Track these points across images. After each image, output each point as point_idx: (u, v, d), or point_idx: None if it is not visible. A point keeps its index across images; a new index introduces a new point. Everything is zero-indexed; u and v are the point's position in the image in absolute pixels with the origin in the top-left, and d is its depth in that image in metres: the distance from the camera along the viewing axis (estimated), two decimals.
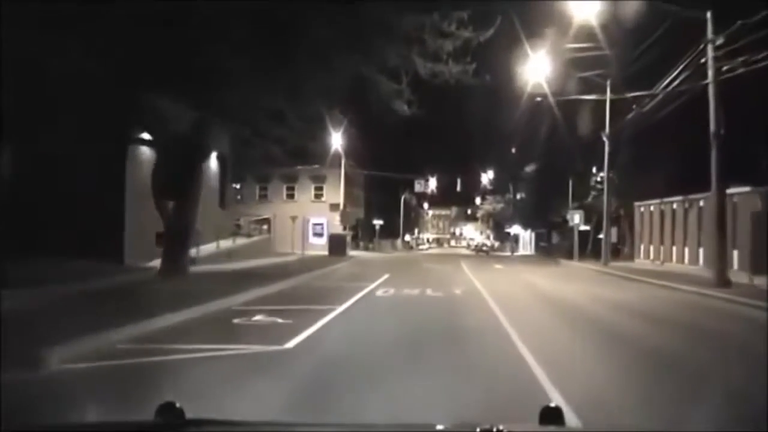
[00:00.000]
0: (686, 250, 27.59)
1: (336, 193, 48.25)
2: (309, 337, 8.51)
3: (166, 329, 8.94)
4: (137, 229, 20.47)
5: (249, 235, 30.48)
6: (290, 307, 12.03)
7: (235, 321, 9.98)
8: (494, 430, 1.72)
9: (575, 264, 32.98)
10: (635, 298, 15.23)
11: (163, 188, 15.61)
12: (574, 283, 20.16)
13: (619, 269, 25.92)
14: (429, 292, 15.22)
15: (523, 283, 19.58)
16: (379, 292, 15.17)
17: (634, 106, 25.59)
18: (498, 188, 61.66)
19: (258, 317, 10.36)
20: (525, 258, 50.75)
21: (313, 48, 13.42)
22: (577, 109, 36.06)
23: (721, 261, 17.35)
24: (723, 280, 16.82)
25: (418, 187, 49.95)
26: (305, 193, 53.11)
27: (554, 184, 56.93)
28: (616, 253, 39.15)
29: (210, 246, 24.83)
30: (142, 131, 18.50)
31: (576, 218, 35.68)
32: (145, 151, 21.93)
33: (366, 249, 55.06)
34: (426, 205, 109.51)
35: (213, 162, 29.21)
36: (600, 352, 7.92)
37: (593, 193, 55.67)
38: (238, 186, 52.31)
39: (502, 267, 30.06)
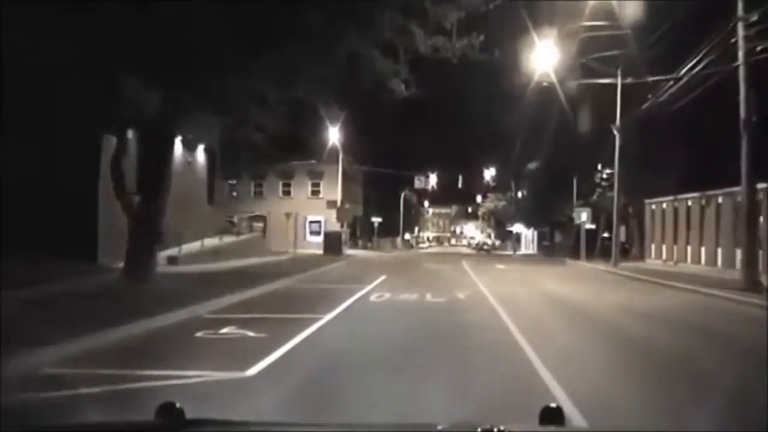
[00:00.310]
0: (702, 250, 25.97)
1: (334, 189, 46.62)
2: (280, 359, 6.89)
3: (111, 346, 7.36)
4: (113, 227, 18.83)
5: (239, 233, 28.82)
6: (269, 315, 10.43)
7: (198, 334, 8.38)
8: (494, 430, 1.71)
9: (583, 264, 31.37)
10: (664, 305, 13.53)
11: (124, 181, 14.01)
12: (587, 286, 18.57)
13: (631, 270, 24.33)
14: (429, 297, 13.60)
15: (532, 286, 17.95)
16: (374, 297, 13.55)
17: (649, 96, 23.93)
18: (500, 185, 60.02)
19: (227, 329, 8.76)
20: (528, 257, 49.16)
21: (302, 24, 11.87)
22: (584, 101, 34.48)
23: (751, 262, 15.72)
24: (753, 283, 15.20)
25: (418, 183, 48.30)
26: (302, 189, 51.50)
27: (558, 181, 55.41)
28: (625, 252, 37.54)
29: (194, 245, 23.22)
30: (113, 118, 16.88)
31: (583, 216, 34.08)
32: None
33: (365, 248, 53.49)
34: (426, 203, 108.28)
35: (200, 156, 27.60)
36: (653, 384, 6.27)
37: (598, 190, 54.21)
38: (233, 182, 51.02)
39: (505, 267, 28.44)
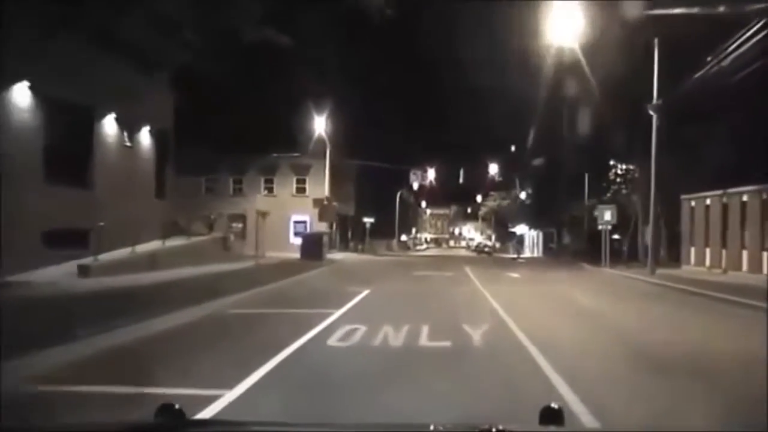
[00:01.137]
0: (765, 255, 20.98)
1: (321, 186, 41.61)
2: None
3: None
4: (12, 226, 13.82)
5: (194, 235, 23.71)
6: (107, 389, 5.42)
7: None
8: (493, 430, 1.72)
9: (608, 271, 26.38)
10: None
11: None
12: (650, 307, 13.64)
13: (674, 280, 19.37)
14: (424, 336, 8.54)
15: (570, 308, 12.92)
16: (336, 338, 8.46)
17: (708, 60, 18.91)
18: (505, 181, 55.22)
19: None
20: (535, 262, 44.19)
21: None
22: (604, 81, 29.55)
23: None
24: None
25: (413, 178, 43.18)
26: (286, 186, 46.53)
27: (566, 178, 50.42)
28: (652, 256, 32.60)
29: (124, 251, 18.15)
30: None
31: (607, 215, 29.09)
32: (26, 110, 15.41)
33: (356, 250, 48.48)
34: (424, 204, 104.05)
35: (145, 138, 22.52)
36: None
37: (613, 187, 49.20)
38: (211, 177, 46.01)
39: (519, 276, 23.31)
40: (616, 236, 49.05)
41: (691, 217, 26.90)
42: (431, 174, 42.26)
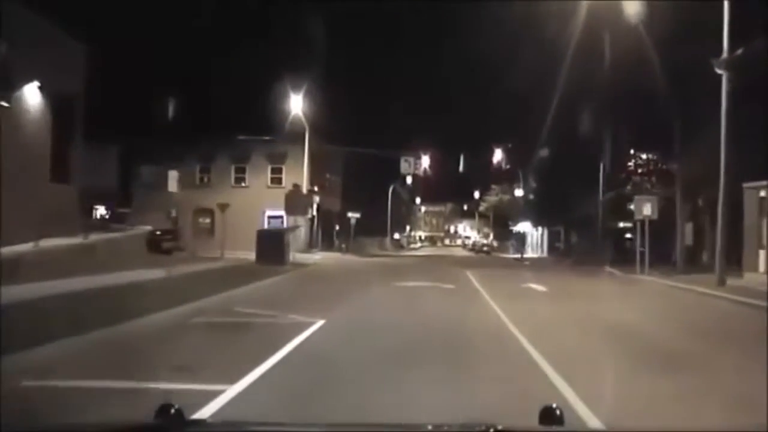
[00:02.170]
0: None
1: (300, 177, 35.66)
2: None
3: None
4: None
5: (110, 231, 17.59)
6: None
7: None
8: (491, 430, 1.72)
9: (653, 281, 20.54)
10: None
11: None
12: None
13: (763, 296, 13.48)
14: None
15: (652, 361, 7.05)
16: None
17: None
18: (508, 174, 49.47)
19: None
20: (544, 264, 38.45)
21: None
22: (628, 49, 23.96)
23: None
24: None
25: (405, 166, 37.19)
26: (260, 176, 40.59)
27: (577, 169, 44.43)
28: (692, 260, 26.80)
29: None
30: None
31: (646, 208, 23.26)
32: None
33: (340, 250, 42.56)
34: (418, 200, 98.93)
35: (32, 97, 16.45)
36: None
37: (635, 178, 43.13)
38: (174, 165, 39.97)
39: (546, 290, 16.81)
40: (628, 236, 43.50)
41: (760, 210, 20.94)
42: (425, 161, 36.20)
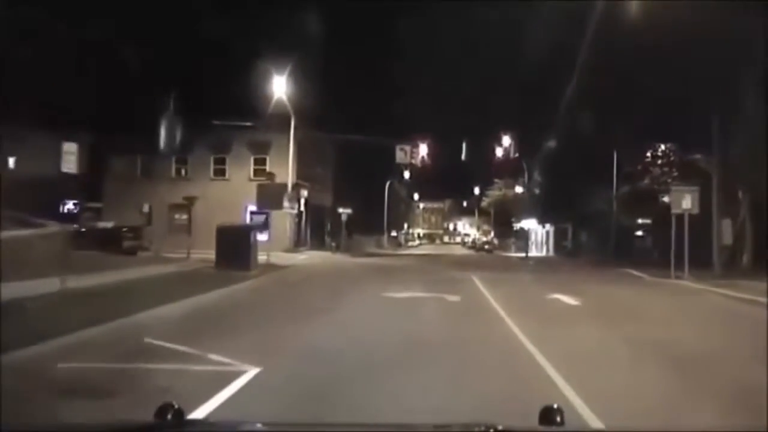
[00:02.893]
0: None
1: (285, 168, 32.00)
2: None
3: None
4: None
5: (25, 228, 13.78)
6: None
7: None
8: (491, 430, 1.71)
9: (696, 288, 16.89)
10: None
11: None
12: None
13: None
14: None
15: None
16: None
17: None
18: (513, 165, 45.96)
19: None
20: (553, 264, 34.90)
21: None
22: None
23: None
24: None
25: (401, 155, 33.51)
26: (242, 168, 36.84)
27: (587, 162, 40.80)
28: (732, 262, 23.22)
29: None
30: None
31: (686, 201, 19.53)
32: None
33: (331, 248, 38.96)
34: (417, 197, 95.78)
35: None
36: None
37: (653, 169, 39.47)
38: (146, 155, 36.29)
39: (577, 303, 12.88)
40: (639, 233, 40.09)
41: None
42: (423, 149, 32.51)
